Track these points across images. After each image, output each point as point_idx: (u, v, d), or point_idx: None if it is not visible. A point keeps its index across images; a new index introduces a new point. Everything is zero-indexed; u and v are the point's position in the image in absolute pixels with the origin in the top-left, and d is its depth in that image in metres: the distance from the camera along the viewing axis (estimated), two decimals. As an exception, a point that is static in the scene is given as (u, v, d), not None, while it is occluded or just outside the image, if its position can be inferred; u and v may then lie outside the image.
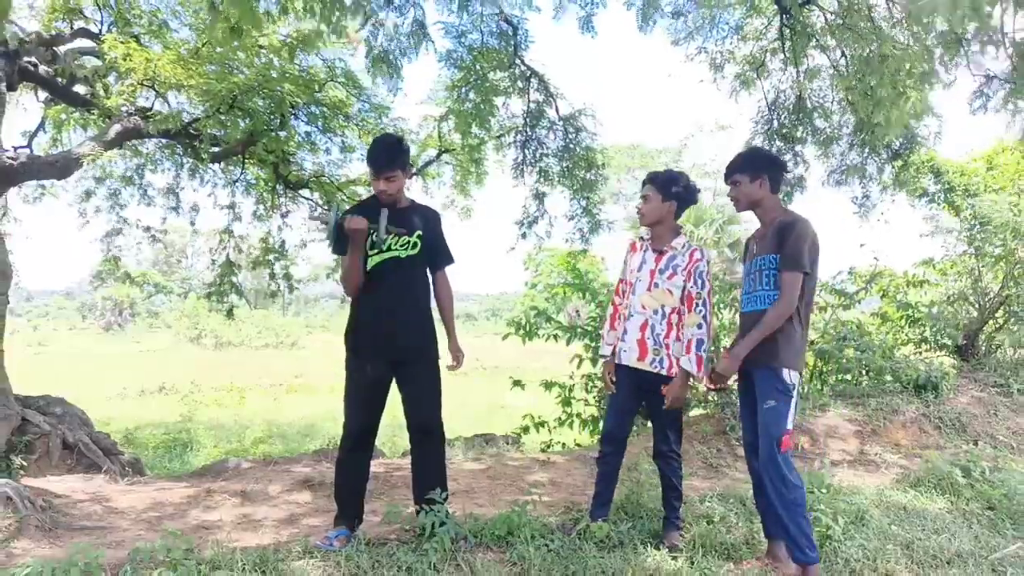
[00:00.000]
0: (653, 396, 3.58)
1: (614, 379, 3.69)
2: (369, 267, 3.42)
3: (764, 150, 3.71)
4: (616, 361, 3.65)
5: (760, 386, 3.26)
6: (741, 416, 3.58)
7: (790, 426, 3.21)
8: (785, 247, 3.20)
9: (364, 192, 8.36)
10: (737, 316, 6.32)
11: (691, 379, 3.56)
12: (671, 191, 3.59)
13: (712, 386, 3.70)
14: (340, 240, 3.38)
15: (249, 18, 4.28)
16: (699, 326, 3.46)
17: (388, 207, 3.47)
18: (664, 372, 3.51)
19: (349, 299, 3.57)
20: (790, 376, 3.21)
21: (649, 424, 4.97)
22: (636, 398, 3.69)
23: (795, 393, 3.24)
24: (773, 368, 3.22)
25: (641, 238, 3.75)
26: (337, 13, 4.63)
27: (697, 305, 3.48)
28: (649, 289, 3.55)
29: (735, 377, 3.54)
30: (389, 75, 5.99)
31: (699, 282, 3.49)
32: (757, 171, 3.38)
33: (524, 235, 7.75)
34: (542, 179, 7.49)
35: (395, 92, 6.55)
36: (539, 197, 7.57)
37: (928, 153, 7.79)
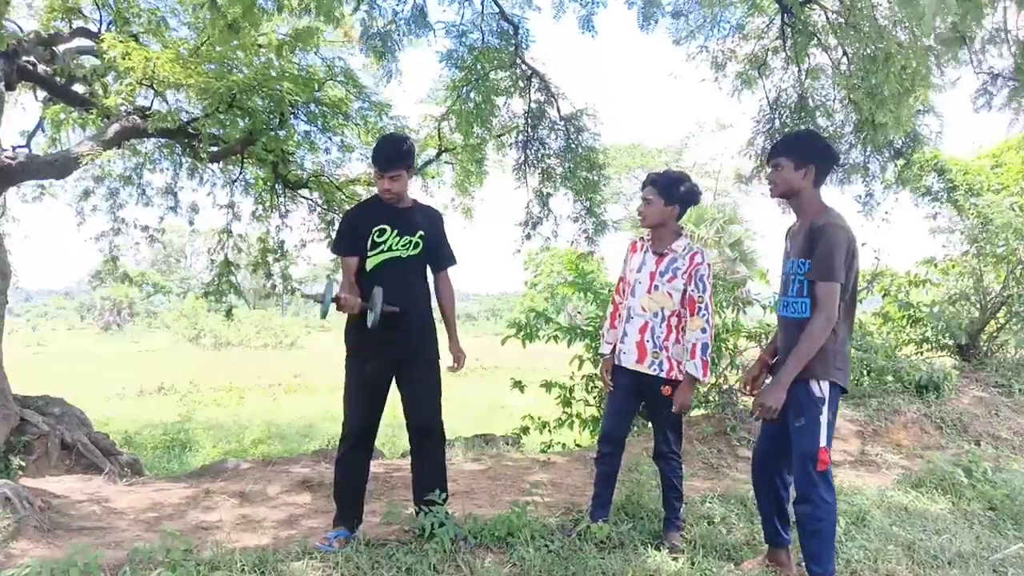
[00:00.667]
0: (652, 397, 3.57)
1: (611, 378, 3.68)
2: (370, 267, 3.42)
3: (819, 136, 3.38)
4: (615, 363, 3.64)
5: (790, 401, 3.03)
6: (762, 426, 3.38)
7: (824, 443, 2.97)
8: (816, 255, 2.94)
9: (364, 192, 8.35)
10: (740, 315, 6.33)
11: (696, 383, 3.55)
12: (674, 194, 3.54)
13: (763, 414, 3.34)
14: (340, 231, 3.37)
15: (249, 15, 4.28)
16: (703, 330, 3.43)
17: (390, 209, 3.47)
18: (663, 375, 3.49)
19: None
20: (820, 388, 2.97)
21: (649, 424, 4.96)
22: (635, 399, 3.68)
23: (826, 406, 2.99)
24: (802, 380, 2.99)
25: (642, 238, 3.72)
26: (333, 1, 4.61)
27: (700, 309, 3.45)
28: (649, 292, 3.53)
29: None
30: (383, 55, 5.83)
31: (700, 286, 3.45)
32: (805, 158, 3.06)
33: (528, 236, 7.71)
34: (545, 180, 7.46)
35: (390, 78, 6.26)
36: (543, 198, 7.54)
37: (932, 151, 7.76)
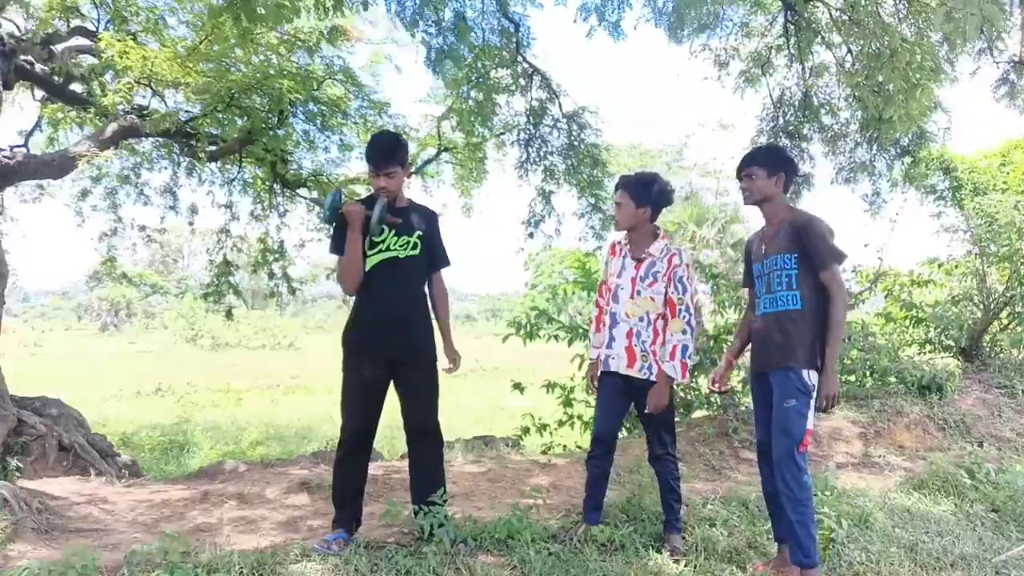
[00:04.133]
0: (642, 400, 3.57)
1: (600, 381, 3.69)
2: (368, 268, 3.40)
3: (784, 148, 3.68)
4: (605, 368, 3.63)
5: (779, 387, 3.21)
6: (757, 420, 3.50)
7: (810, 426, 3.16)
8: (810, 248, 3.15)
9: (363, 191, 8.32)
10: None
11: (674, 384, 3.54)
12: (644, 195, 3.56)
13: (716, 388, 3.66)
14: (337, 230, 3.37)
15: (272, 16, 4.23)
16: (684, 332, 3.46)
17: (387, 205, 3.44)
18: (653, 378, 3.51)
19: (351, 299, 3.56)
20: (809, 376, 3.15)
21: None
22: (624, 400, 3.69)
23: (814, 393, 3.17)
24: (792, 368, 3.16)
25: (619, 242, 3.72)
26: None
27: (680, 311, 3.46)
28: (632, 297, 3.54)
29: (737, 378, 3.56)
30: (457, 69, 6.01)
31: (680, 287, 3.47)
32: (776, 167, 3.30)
33: (532, 235, 7.71)
34: (547, 177, 7.45)
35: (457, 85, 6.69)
36: (545, 196, 7.53)
37: (940, 149, 7.73)
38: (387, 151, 3.42)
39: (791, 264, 3.20)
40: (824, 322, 3.14)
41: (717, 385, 3.61)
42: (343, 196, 3.35)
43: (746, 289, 3.65)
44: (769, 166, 3.30)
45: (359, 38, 7.95)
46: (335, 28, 6.69)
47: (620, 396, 3.64)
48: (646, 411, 3.51)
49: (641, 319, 3.51)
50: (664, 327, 3.51)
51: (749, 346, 3.55)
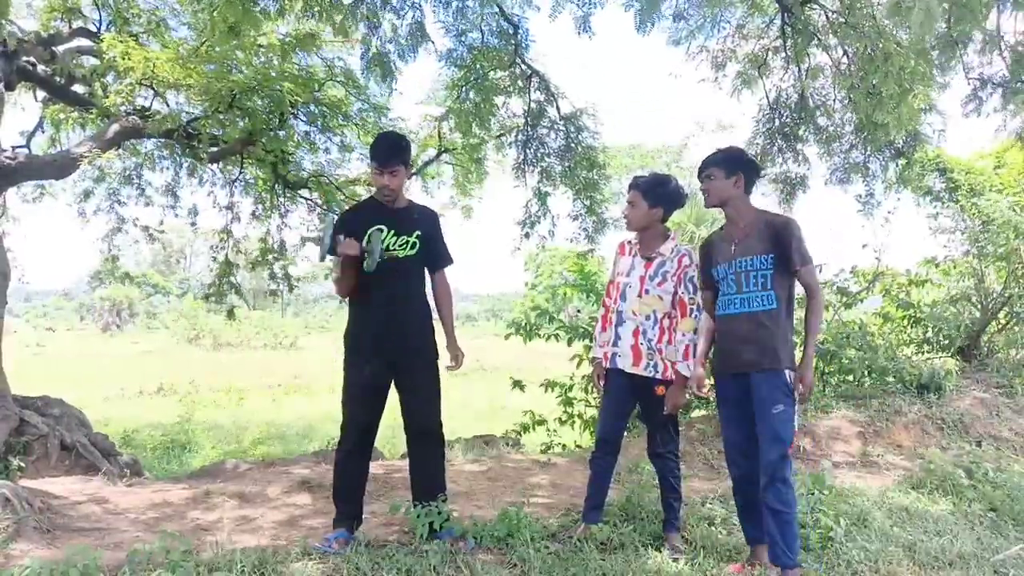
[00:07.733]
0: (647, 398, 3.59)
1: (606, 380, 3.69)
2: (367, 268, 3.41)
3: (745, 151, 3.70)
4: (611, 365, 3.64)
5: (765, 391, 3.20)
6: (728, 419, 3.45)
7: (796, 427, 3.19)
8: (789, 247, 3.19)
9: (364, 192, 8.33)
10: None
11: (688, 383, 3.55)
12: (658, 195, 3.57)
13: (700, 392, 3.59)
14: (333, 249, 3.38)
15: (247, 19, 4.28)
16: (695, 331, 3.47)
17: (386, 209, 3.46)
18: (659, 376, 3.52)
19: (347, 298, 3.57)
20: (790, 377, 3.18)
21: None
22: (630, 400, 3.70)
23: (795, 394, 3.21)
24: (777, 371, 3.18)
25: (629, 241, 3.73)
26: (339, 15, 4.62)
27: (692, 310, 3.48)
28: (640, 295, 3.55)
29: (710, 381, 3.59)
30: (383, 78, 5.99)
31: (690, 287, 3.50)
32: (733, 168, 3.33)
33: (527, 235, 7.71)
34: (544, 179, 7.45)
35: (390, 93, 6.64)
36: (541, 197, 7.53)
37: (936, 150, 7.75)
38: (392, 149, 3.46)
39: (767, 264, 3.22)
40: (800, 319, 3.27)
41: (703, 390, 3.55)
42: (333, 226, 3.35)
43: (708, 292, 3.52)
44: (727, 167, 3.33)
45: (357, 41, 7.96)
46: (305, 36, 6.70)
47: (626, 395, 3.65)
48: (665, 411, 3.52)
49: (648, 317, 3.53)
50: (670, 326, 3.53)
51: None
